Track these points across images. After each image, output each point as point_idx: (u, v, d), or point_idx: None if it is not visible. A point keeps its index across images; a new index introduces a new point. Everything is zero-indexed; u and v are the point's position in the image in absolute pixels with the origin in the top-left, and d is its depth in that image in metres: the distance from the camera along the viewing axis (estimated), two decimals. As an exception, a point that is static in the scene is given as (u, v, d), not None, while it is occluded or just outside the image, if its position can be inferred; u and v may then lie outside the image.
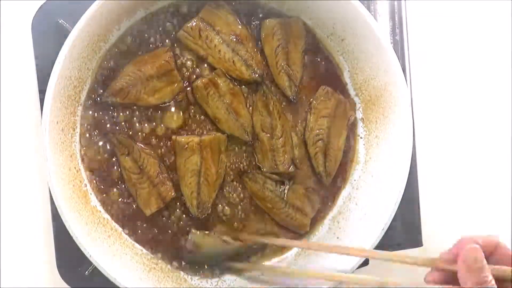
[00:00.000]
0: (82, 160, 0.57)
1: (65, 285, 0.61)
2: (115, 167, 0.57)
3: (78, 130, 0.56)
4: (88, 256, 0.52)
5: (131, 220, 0.58)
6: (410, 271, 0.77)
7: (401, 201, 0.56)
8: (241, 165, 0.60)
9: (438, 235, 0.76)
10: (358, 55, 0.59)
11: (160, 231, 0.59)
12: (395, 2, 0.66)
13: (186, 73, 0.58)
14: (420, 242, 0.67)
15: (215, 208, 0.59)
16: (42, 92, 0.58)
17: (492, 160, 0.78)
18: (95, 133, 0.57)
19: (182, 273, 0.59)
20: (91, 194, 0.57)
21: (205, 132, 0.59)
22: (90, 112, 0.57)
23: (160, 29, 0.57)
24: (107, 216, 0.57)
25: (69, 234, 0.52)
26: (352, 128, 0.62)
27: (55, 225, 0.60)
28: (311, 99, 0.61)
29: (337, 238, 0.60)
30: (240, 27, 0.58)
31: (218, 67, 0.57)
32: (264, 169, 0.59)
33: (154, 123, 0.58)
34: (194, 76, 0.58)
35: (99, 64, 0.56)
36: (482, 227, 0.78)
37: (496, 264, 0.43)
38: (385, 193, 0.57)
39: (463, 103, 0.77)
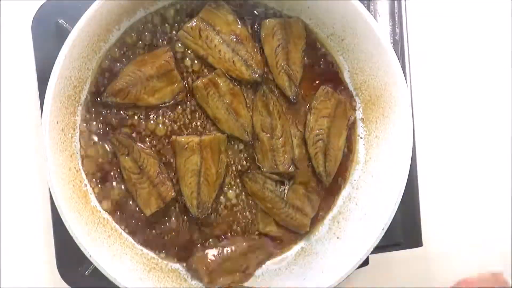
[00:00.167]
0: (82, 160, 0.57)
1: (65, 285, 0.61)
2: (115, 167, 0.57)
3: (78, 130, 0.56)
4: (88, 256, 0.52)
5: (131, 220, 0.58)
6: (410, 271, 0.77)
7: (401, 201, 0.56)
8: (241, 165, 0.60)
9: (438, 235, 0.76)
10: (358, 55, 0.59)
11: (160, 231, 0.59)
12: (395, 2, 0.66)
13: (186, 73, 0.58)
14: (420, 242, 0.67)
15: (215, 208, 0.59)
16: (42, 92, 0.58)
17: (492, 160, 0.78)
18: (95, 133, 0.57)
19: (182, 273, 0.59)
20: (91, 194, 0.57)
21: (205, 132, 0.59)
22: (90, 112, 0.57)
23: (160, 29, 0.57)
24: (107, 216, 0.57)
25: (69, 234, 0.52)
26: (352, 128, 0.62)
27: (55, 225, 0.60)
28: (311, 99, 0.61)
29: (337, 238, 0.60)
30: (240, 27, 0.58)
31: (218, 67, 0.57)
32: (264, 169, 0.59)
33: (154, 123, 0.58)
34: (194, 77, 0.58)
35: (99, 64, 0.56)
36: (482, 227, 0.78)
37: None
38: (385, 193, 0.57)
39: (463, 103, 0.77)
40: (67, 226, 0.52)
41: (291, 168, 0.60)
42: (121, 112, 0.57)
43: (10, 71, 0.65)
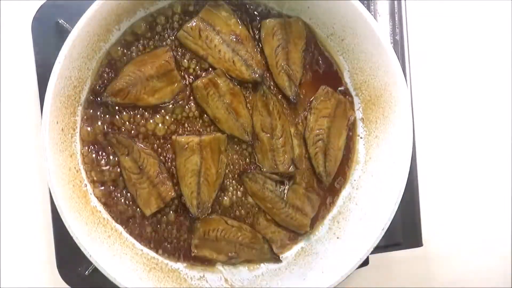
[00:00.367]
0: (82, 160, 0.57)
1: (65, 285, 0.61)
2: (115, 167, 0.57)
3: (78, 130, 0.56)
4: (88, 256, 0.52)
5: (131, 220, 0.58)
6: (410, 271, 0.77)
7: (401, 201, 0.56)
8: (241, 165, 0.60)
9: (438, 235, 0.76)
10: (358, 55, 0.59)
11: (160, 231, 0.59)
12: (395, 2, 0.66)
13: (186, 73, 0.58)
14: (420, 242, 0.67)
15: (215, 207, 0.59)
16: (42, 92, 0.58)
17: (492, 160, 0.78)
18: (95, 133, 0.57)
19: (182, 273, 0.59)
20: (91, 194, 0.57)
21: (205, 132, 0.59)
22: (90, 112, 0.57)
23: (160, 29, 0.57)
24: (107, 216, 0.57)
25: (69, 234, 0.52)
26: (352, 128, 0.62)
27: (55, 225, 0.60)
28: (311, 99, 0.61)
29: (337, 238, 0.60)
30: (240, 27, 0.58)
31: (218, 67, 0.57)
32: (264, 169, 0.59)
33: (154, 123, 0.58)
34: (193, 77, 0.58)
35: (99, 64, 0.56)
36: (482, 227, 0.78)
37: None
38: (385, 193, 0.57)
39: (463, 103, 0.77)
40: (67, 226, 0.52)
41: (291, 168, 0.60)
42: (121, 112, 0.57)
43: (10, 71, 0.65)
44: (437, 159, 0.76)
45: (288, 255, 0.62)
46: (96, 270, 0.53)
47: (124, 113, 0.57)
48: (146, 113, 0.58)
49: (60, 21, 0.59)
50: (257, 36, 0.59)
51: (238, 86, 0.58)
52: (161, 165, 0.57)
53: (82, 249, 0.52)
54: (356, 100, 0.62)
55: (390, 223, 0.56)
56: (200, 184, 0.57)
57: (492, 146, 0.78)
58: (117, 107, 0.57)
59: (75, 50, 0.52)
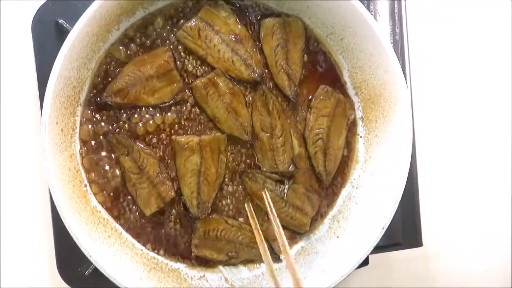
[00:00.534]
0: (82, 160, 0.57)
1: (65, 285, 0.61)
2: (115, 167, 0.57)
3: (78, 130, 0.56)
4: (88, 256, 0.52)
5: (131, 220, 0.58)
6: (410, 271, 0.77)
7: (401, 201, 0.56)
8: (241, 164, 0.60)
9: (438, 235, 0.76)
10: (357, 54, 0.59)
11: (160, 231, 0.59)
12: (395, 2, 0.66)
13: (185, 73, 0.58)
14: (420, 242, 0.67)
15: (215, 207, 0.59)
16: (42, 92, 0.58)
17: (492, 160, 0.78)
18: (95, 133, 0.57)
19: (182, 273, 0.59)
20: (91, 194, 0.57)
21: (205, 132, 0.59)
22: (90, 112, 0.57)
23: (160, 29, 0.57)
24: (107, 216, 0.57)
25: (69, 234, 0.52)
26: (352, 127, 0.62)
27: (55, 225, 0.60)
28: (311, 98, 0.61)
29: (337, 237, 0.60)
30: (239, 26, 0.58)
31: (217, 67, 0.57)
32: (264, 169, 0.59)
33: (153, 123, 0.58)
34: (193, 76, 0.58)
35: (98, 64, 0.56)
36: (482, 227, 0.78)
37: None
38: (385, 192, 0.57)
39: (463, 102, 0.77)
40: (67, 226, 0.52)
41: (291, 168, 0.60)
42: (121, 112, 0.57)
43: (10, 71, 0.65)
44: (437, 159, 0.76)
45: (288, 254, 0.62)
46: (96, 270, 0.53)
47: (124, 113, 0.57)
48: (146, 113, 0.58)
49: (60, 21, 0.59)
50: (256, 36, 0.59)
51: (238, 86, 0.58)
52: (161, 165, 0.57)
53: (82, 249, 0.52)
54: (355, 99, 0.62)
55: (390, 223, 0.56)
56: (200, 184, 0.58)
57: (492, 146, 0.78)
58: (116, 107, 0.57)
59: (75, 50, 0.52)
